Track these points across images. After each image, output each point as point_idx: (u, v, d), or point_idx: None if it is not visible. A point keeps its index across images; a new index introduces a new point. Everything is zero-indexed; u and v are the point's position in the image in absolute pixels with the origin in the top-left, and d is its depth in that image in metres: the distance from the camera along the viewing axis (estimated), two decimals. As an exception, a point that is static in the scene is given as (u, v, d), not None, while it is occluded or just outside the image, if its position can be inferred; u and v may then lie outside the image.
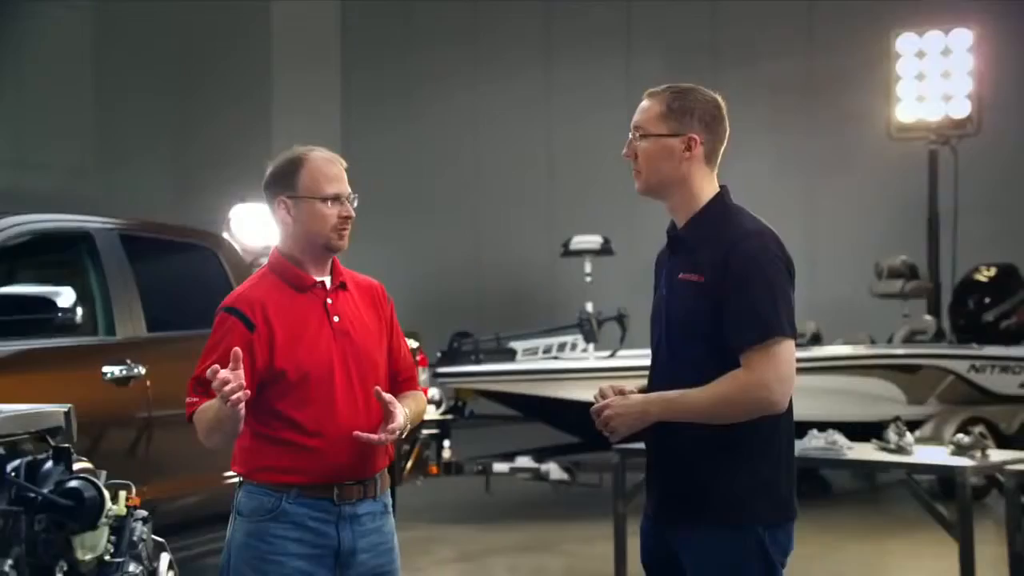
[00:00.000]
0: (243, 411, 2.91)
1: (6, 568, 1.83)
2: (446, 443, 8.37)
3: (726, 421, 2.85)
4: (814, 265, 12.24)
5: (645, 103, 3.04)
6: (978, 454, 6.04)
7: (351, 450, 3.13)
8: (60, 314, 4.75)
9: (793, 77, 12.59)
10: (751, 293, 2.83)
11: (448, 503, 9.01)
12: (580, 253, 9.56)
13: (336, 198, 3.17)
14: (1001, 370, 9.73)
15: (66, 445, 2.06)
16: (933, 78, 10.99)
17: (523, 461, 8.63)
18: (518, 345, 8.96)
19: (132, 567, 2.12)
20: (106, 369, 5.30)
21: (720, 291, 2.85)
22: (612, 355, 8.92)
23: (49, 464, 2.00)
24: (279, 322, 3.14)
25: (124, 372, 5.34)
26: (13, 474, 1.94)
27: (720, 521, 2.87)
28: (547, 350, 9.12)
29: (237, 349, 2.92)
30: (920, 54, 11.04)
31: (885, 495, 10.04)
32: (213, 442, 3.07)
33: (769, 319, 2.83)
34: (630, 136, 3.05)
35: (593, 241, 9.53)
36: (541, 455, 8.70)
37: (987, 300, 10.22)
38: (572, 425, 9.00)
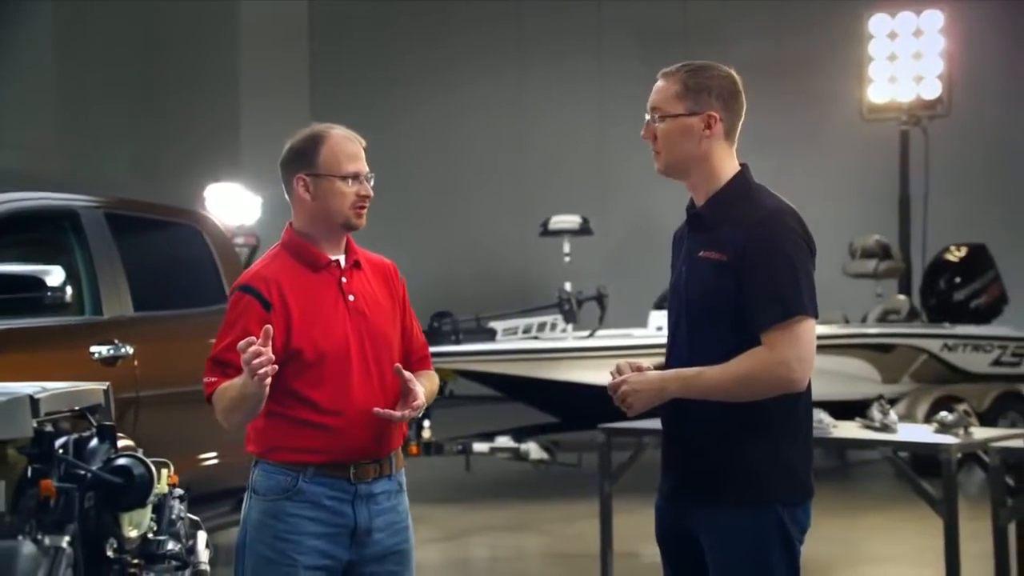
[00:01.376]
0: (267, 388, 2.90)
1: (63, 544, 1.82)
2: (426, 423, 8.37)
3: (745, 399, 2.85)
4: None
5: (661, 83, 3.03)
6: (961, 431, 6.12)
7: (367, 429, 3.13)
8: (49, 293, 4.70)
9: (765, 58, 12.61)
10: (773, 272, 2.83)
11: (428, 483, 9.00)
12: (559, 233, 9.57)
13: (355, 176, 3.17)
14: (973, 349, 9.86)
15: (111, 423, 2.05)
16: (905, 59, 11.07)
17: (503, 441, 8.65)
18: (498, 325, 8.97)
19: (171, 545, 2.11)
20: (93, 349, 5.26)
21: (742, 269, 2.85)
22: (591, 335, 8.95)
23: (95, 442, 1.98)
24: (295, 301, 3.12)
25: (112, 352, 5.30)
26: (61, 451, 1.92)
27: (740, 500, 2.87)
28: (527, 330, 9.13)
29: (270, 327, 2.91)
30: (892, 35, 11.12)
31: (858, 472, 10.15)
32: (233, 421, 3.05)
33: (791, 298, 2.83)
34: (647, 117, 3.04)
35: (572, 221, 9.54)
36: (521, 435, 8.72)
37: (957, 280, 10.33)
38: (552, 405, 9.03)
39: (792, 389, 2.85)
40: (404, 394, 3.12)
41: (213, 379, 3.07)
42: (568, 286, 9.11)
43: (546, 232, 9.74)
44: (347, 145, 3.18)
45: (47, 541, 1.82)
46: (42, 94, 14.69)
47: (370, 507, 3.15)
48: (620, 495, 6.73)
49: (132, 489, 1.95)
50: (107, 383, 2.23)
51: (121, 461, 1.97)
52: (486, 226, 13.51)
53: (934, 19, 11.01)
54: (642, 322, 9.81)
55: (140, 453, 2.24)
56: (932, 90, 10.97)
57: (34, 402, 1.94)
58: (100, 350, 5.27)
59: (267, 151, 13.60)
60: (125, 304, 5.52)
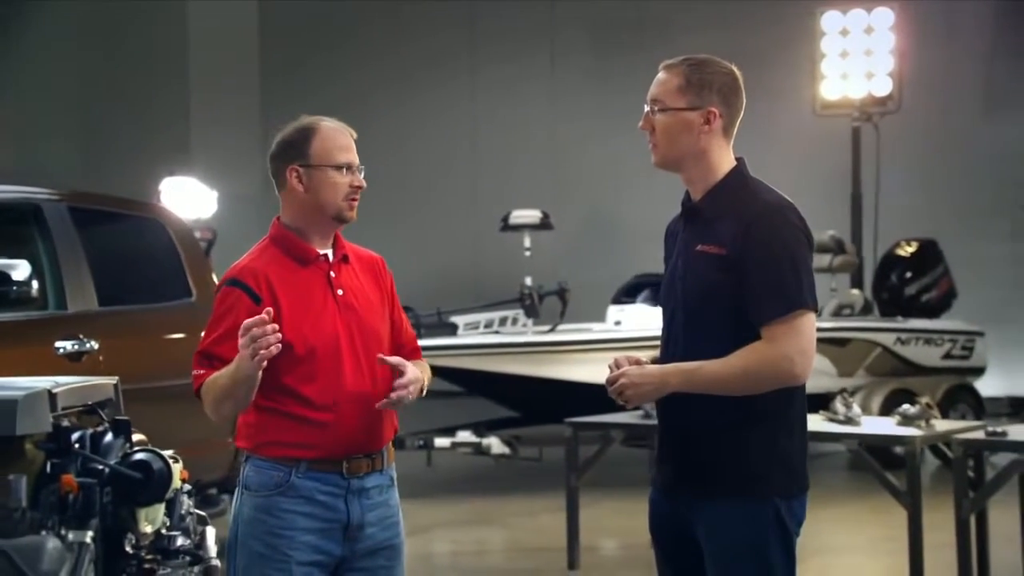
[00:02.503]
0: (260, 373, 2.86)
1: (87, 540, 1.79)
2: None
3: (746, 393, 2.84)
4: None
5: (662, 75, 3.02)
6: (923, 424, 6.19)
7: (359, 423, 3.11)
8: (15, 288, 4.65)
9: (718, 54, 12.57)
10: (775, 266, 2.83)
11: (388, 479, 8.96)
12: (519, 227, 9.56)
13: (348, 167, 3.14)
14: (925, 342, 9.98)
15: (126, 418, 2.01)
16: (856, 56, 11.18)
17: (464, 436, 8.63)
18: (459, 320, 8.94)
19: (181, 541, 2.08)
20: (58, 344, 5.19)
21: (742, 263, 2.84)
22: (552, 329, 8.96)
23: (109, 436, 1.95)
24: (284, 295, 3.09)
25: (77, 347, 5.24)
26: (77, 446, 1.89)
27: (738, 493, 2.87)
28: (488, 324, 9.11)
29: (270, 308, 2.88)
30: (844, 32, 11.22)
31: (813, 465, 10.24)
32: (222, 413, 3.01)
33: (792, 292, 2.83)
34: (647, 108, 3.03)
35: (532, 216, 9.54)
36: (482, 430, 8.71)
37: (909, 275, 10.45)
38: (513, 399, 9.02)
39: (793, 383, 2.86)
40: (395, 378, 3.10)
41: (201, 371, 3.03)
42: (528, 280, 9.10)
43: (507, 227, 9.73)
44: (339, 136, 3.16)
45: (71, 537, 1.79)
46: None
47: (362, 502, 3.12)
48: (587, 489, 6.76)
49: (151, 484, 1.92)
50: (116, 378, 2.19)
51: (139, 456, 1.94)
52: (443, 222, 13.47)
53: (885, 16, 11.12)
54: (600, 317, 9.83)
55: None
56: (883, 87, 11.09)
57: (52, 397, 1.90)
58: (65, 345, 5.20)
59: (217, 146, 13.55)
60: (90, 299, 5.45)
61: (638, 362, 2.98)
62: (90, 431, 1.94)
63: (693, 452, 2.95)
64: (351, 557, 3.13)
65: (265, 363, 2.84)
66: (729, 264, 2.87)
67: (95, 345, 5.29)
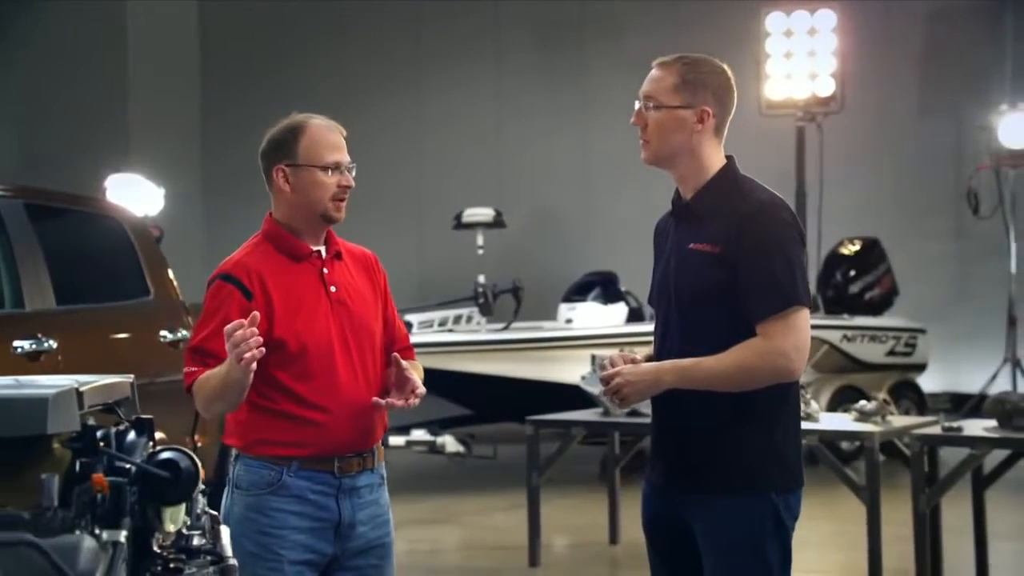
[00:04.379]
0: (251, 375, 2.85)
1: (120, 539, 1.77)
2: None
3: (742, 389, 2.87)
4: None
5: (656, 73, 3.04)
6: (880, 420, 6.29)
7: (352, 422, 3.11)
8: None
9: (661, 53, 12.71)
10: (769, 264, 2.86)
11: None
12: (472, 226, 9.55)
13: (336, 167, 3.13)
14: (870, 339, 10.12)
15: (149, 416, 1.99)
16: (800, 56, 11.29)
17: (418, 434, 8.62)
18: (413, 318, 8.92)
19: (198, 540, 2.06)
20: (16, 343, 5.10)
21: (736, 261, 2.87)
22: (507, 327, 8.98)
23: (132, 435, 1.93)
24: (277, 291, 3.08)
25: (35, 346, 5.15)
26: (103, 444, 1.87)
27: (735, 489, 2.90)
28: (443, 323, 9.10)
29: (256, 312, 2.86)
30: (788, 32, 11.31)
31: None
32: (214, 410, 3.02)
33: (787, 289, 2.86)
34: (638, 105, 3.05)
35: (485, 214, 9.54)
36: (436, 428, 8.70)
37: (852, 273, 10.58)
38: (467, 397, 9.01)
39: (789, 378, 2.89)
40: (401, 383, 3.10)
41: (193, 368, 3.01)
42: (482, 278, 9.11)
43: (459, 225, 9.73)
44: (327, 135, 3.14)
45: (105, 536, 1.77)
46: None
47: (353, 501, 3.12)
48: (548, 487, 6.77)
49: (179, 483, 1.90)
50: (132, 376, 2.17)
51: (166, 455, 1.92)
52: (391, 221, 13.42)
53: (827, 18, 11.23)
54: (548, 314, 9.87)
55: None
56: (826, 87, 11.22)
57: (79, 395, 1.88)
58: (23, 344, 5.12)
59: (157, 143, 13.29)
60: (47, 297, 5.37)
61: (633, 360, 3.00)
62: (114, 430, 1.92)
63: (689, 449, 2.97)
64: (342, 556, 3.13)
65: (254, 366, 2.82)
66: (723, 262, 2.89)
67: (54, 344, 5.20)
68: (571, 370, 7.85)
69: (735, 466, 2.91)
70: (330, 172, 3.11)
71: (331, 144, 3.13)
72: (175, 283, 6.25)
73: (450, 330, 9.13)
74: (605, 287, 9.87)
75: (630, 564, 6.76)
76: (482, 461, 8.81)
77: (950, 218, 12.23)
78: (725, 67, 3.08)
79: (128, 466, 1.88)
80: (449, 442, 8.57)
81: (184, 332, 6.09)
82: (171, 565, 1.96)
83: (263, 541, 3.03)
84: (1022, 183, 11.16)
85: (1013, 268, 11.09)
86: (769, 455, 2.93)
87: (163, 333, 5.98)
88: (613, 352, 3.05)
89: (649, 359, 3.05)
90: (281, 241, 3.15)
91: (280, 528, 3.03)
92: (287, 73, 13.94)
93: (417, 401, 3.11)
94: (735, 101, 3.07)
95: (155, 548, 1.92)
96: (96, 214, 6.12)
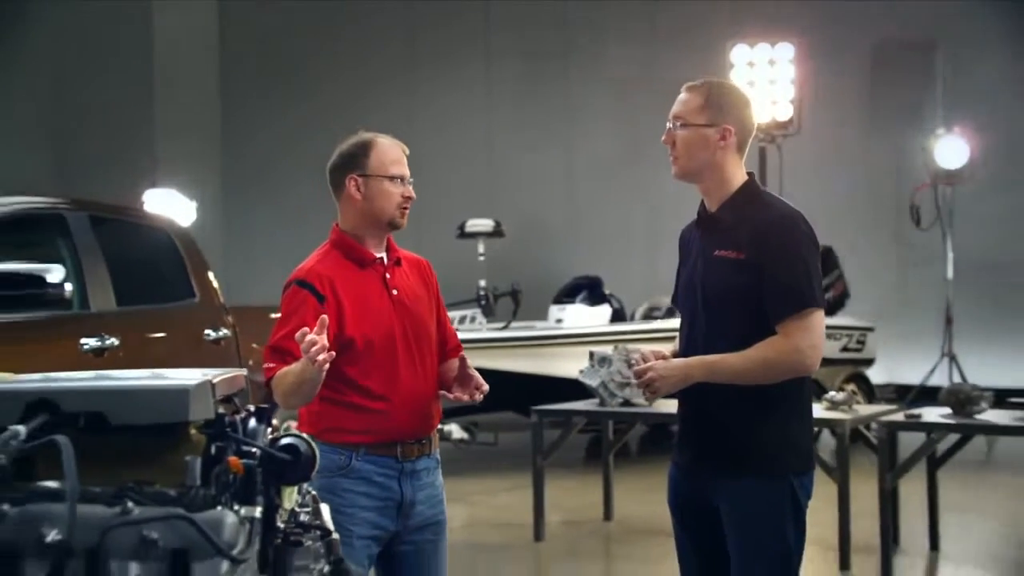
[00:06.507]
0: (324, 373, 2.86)
1: (256, 514, 1.79)
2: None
3: (763, 382, 2.89)
4: (659, 246, 12.56)
5: (684, 96, 3.06)
6: (848, 408, 6.34)
7: (412, 412, 3.13)
8: (50, 289, 4.55)
9: (639, 80, 12.78)
10: (789, 269, 2.88)
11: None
12: (474, 235, 9.55)
13: (401, 178, 3.15)
14: (827, 337, 10.14)
15: (267, 405, 2.01)
16: (762, 84, 11.36)
17: (427, 422, 8.59)
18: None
19: (304, 516, 2.08)
20: (83, 341, 5.09)
21: (759, 267, 2.88)
22: (506, 327, 8.98)
23: (254, 422, 1.95)
24: (346, 295, 3.09)
25: (99, 343, 5.14)
26: (229, 430, 1.88)
27: (757, 472, 2.91)
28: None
29: (325, 316, 2.86)
30: (751, 63, 11.38)
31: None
32: (291, 403, 3.01)
33: (805, 292, 2.88)
34: (669, 125, 3.07)
35: (486, 224, 9.54)
36: (443, 417, 8.68)
37: (809, 277, 10.62)
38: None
39: (805, 372, 2.91)
40: (465, 380, 3.12)
41: (272, 365, 3.02)
42: (483, 283, 9.11)
43: (463, 234, 9.72)
44: (393, 150, 3.17)
45: (243, 512, 1.79)
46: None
47: (413, 482, 3.14)
48: (552, 469, 6.79)
49: (299, 465, 1.92)
50: (244, 370, 2.18)
51: (287, 440, 1.93)
52: (402, 231, 13.43)
53: (786, 50, 11.30)
54: (542, 315, 9.88)
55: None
56: (785, 112, 11.29)
57: (213, 387, 1.90)
58: (89, 342, 5.11)
59: (182, 156, 13.14)
60: (109, 299, 5.36)
61: (663, 356, 3.03)
62: (239, 417, 1.93)
63: (715, 436, 2.99)
64: (403, 531, 3.14)
65: (327, 368, 2.82)
66: (746, 267, 2.91)
67: (116, 341, 5.19)
68: (563, 364, 7.87)
69: (756, 451, 2.93)
70: (397, 182, 3.13)
71: (397, 159, 3.15)
72: (216, 286, 6.24)
73: (456, 330, 9.10)
74: (591, 290, 9.89)
75: (623, 539, 6.79)
76: (484, 447, 8.81)
77: (894, 230, 12.33)
78: (745, 93, 3.10)
79: (254, 450, 1.89)
80: (455, 429, 8.57)
81: (225, 331, 6.09)
82: (291, 538, 1.97)
83: (335, 519, 3.00)
84: (957, 199, 11.25)
85: (950, 274, 11.18)
86: (786, 441, 2.95)
87: (207, 331, 5.97)
88: (644, 348, 3.07)
89: (675, 354, 3.08)
90: (348, 249, 3.16)
91: (350, 507, 3.04)
92: (304, 103, 13.95)
93: (481, 397, 3.13)
94: (755, 123, 3.10)
95: (279, 524, 1.93)
96: (147, 224, 6.11)
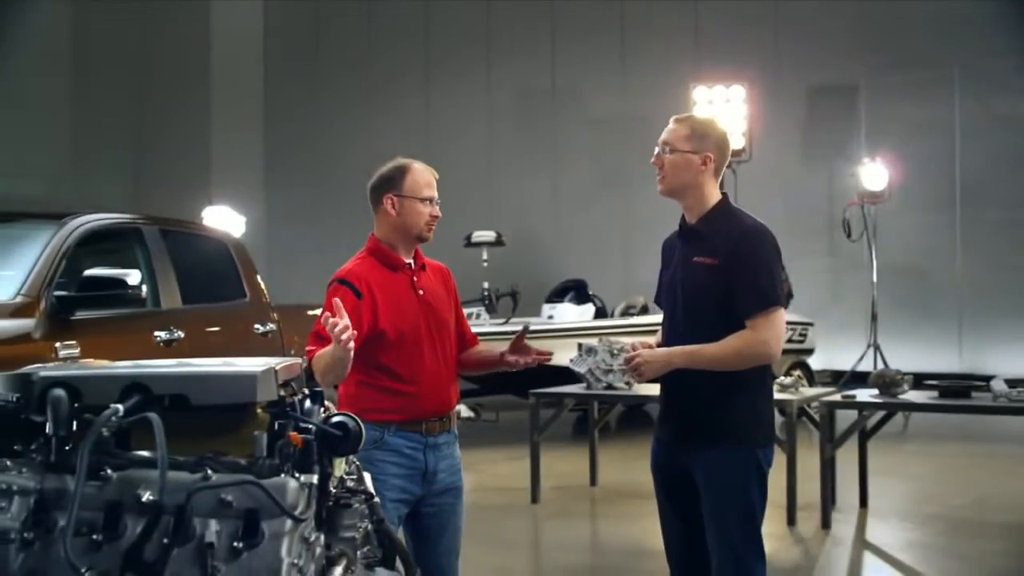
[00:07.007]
0: (352, 353, 2.79)
1: (314, 481, 1.76)
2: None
3: (734, 368, 2.86)
4: (633, 254, 12.53)
5: (673, 126, 3.04)
6: (795, 390, 6.32)
7: (435, 394, 3.10)
8: (130, 290, 4.52)
9: (613, 116, 12.83)
10: (756, 274, 2.86)
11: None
12: (479, 244, 9.51)
13: (431, 200, 3.11)
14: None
15: (320, 389, 1.97)
16: (719, 120, 11.35)
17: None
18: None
19: (350, 483, 2.04)
20: (156, 334, 5.04)
21: (730, 271, 2.86)
22: (506, 322, 8.93)
23: (308, 403, 1.92)
24: (380, 293, 3.06)
25: (169, 336, 5.10)
26: (289, 409, 1.85)
27: (728, 444, 2.88)
28: (457, 319, 9.04)
29: (337, 300, 2.81)
30: (710, 101, 11.38)
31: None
32: (328, 381, 2.95)
33: (769, 294, 2.86)
34: (657, 150, 3.05)
35: (489, 235, 9.50)
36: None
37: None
38: (474, 374, 8.96)
39: (769, 361, 2.89)
40: (523, 349, 3.11)
41: (312, 348, 2.97)
42: (487, 285, 9.07)
43: (469, 244, 9.68)
44: (425, 175, 3.13)
45: (303, 479, 1.75)
46: (54, 130, 13.79)
47: (436, 454, 3.10)
48: (546, 444, 6.75)
49: (348, 440, 1.88)
50: (299, 359, 2.14)
51: (338, 418, 1.90)
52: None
53: (738, 92, 11.32)
54: (535, 312, 9.84)
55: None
56: (738, 143, 11.28)
57: (276, 373, 1.86)
58: (161, 335, 5.06)
59: (232, 187, 13.07)
60: (176, 299, 5.32)
61: (649, 346, 3.00)
62: (297, 399, 1.90)
63: (692, 413, 2.96)
64: (427, 496, 3.10)
65: (352, 345, 2.76)
66: (720, 272, 2.89)
67: (181, 334, 5.15)
68: (555, 354, 7.79)
69: (728, 426, 2.90)
70: (427, 203, 3.09)
71: (428, 183, 3.11)
72: (263, 288, 6.20)
73: (464, 324, 9.07)
74: (577, 291, 9.85)
75: (607, 500, 6.75)
76: (488, 424, 8.75)
77: (828, 241, 12.34)
78: (724, 128, 3.07)
79: (311, 426, 1.86)
80: (462, 409, 8.51)
81: (271, 326, 6.04)
82: (341, 501, 1.94)
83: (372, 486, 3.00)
84: (880, 215, 11.26)
85: (875, 278, 11.17)
86: (753, 418, 2.93)
87: (256, 326, 5.93)
88: (625, 340, 3.04)
89: (659, 345, 3.05)
90: (382, 255, 3.12)
91: (383, 475, 2.99)
92: (335, 141, 13.91)
93: (547, 360, 3.08)
94: (731, 151, 3.07)
95: (331, 488, 1.89)
96: (206, 236, 6.08)
